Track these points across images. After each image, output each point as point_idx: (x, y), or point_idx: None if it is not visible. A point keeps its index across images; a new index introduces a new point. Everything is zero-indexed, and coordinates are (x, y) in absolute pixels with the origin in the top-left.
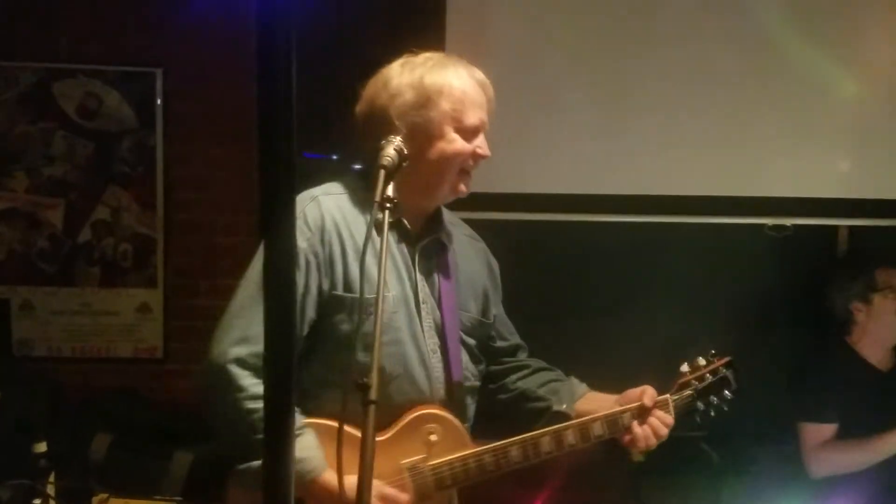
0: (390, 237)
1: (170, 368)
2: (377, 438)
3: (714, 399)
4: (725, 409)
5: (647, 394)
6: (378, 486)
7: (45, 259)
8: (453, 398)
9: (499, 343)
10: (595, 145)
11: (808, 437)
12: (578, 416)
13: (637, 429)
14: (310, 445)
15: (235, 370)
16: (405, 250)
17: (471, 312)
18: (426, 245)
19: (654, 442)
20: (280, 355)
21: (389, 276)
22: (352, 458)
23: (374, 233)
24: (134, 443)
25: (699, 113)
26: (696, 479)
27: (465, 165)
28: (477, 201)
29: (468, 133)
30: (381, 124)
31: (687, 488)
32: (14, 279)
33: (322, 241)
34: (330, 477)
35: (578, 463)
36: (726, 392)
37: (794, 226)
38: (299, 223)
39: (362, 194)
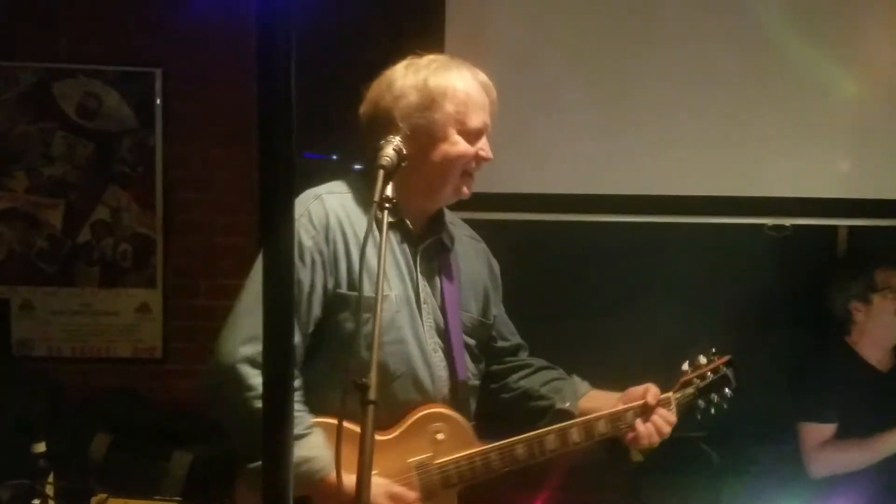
0: (392, 237)
1: (169, 368)
2: (384, 437)
3: (715, 397)
4: (726, 407)
5: (651, 392)
6: (386, 485)
7: (44, 259)
8: (457, 397)
9: (500, 343)
10: (595, 145)
11: (808, 437)
12: (581, 414)
13: (640, 426)
14: (318, 445)
15: (245, 369)
16: (407, 251)
17: (471, 313)
18: (428, 246)
19: (656, 440)
20: (279, 355)
21: (391, 275)
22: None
23: (375, 232)
24: (133, 443)
25: (699, 113)
26: (696, 479)
27: (467, 167)
28: (477, 201)
29: (471, 135)
30: (384, 126)
31: (687, 488)
32: (14, 279)
33: (326, 239)
34: None
35: (578, 463)
36: (727, 390)
37: (794, 226)
38: (304, 221)
39: (366, 193)
